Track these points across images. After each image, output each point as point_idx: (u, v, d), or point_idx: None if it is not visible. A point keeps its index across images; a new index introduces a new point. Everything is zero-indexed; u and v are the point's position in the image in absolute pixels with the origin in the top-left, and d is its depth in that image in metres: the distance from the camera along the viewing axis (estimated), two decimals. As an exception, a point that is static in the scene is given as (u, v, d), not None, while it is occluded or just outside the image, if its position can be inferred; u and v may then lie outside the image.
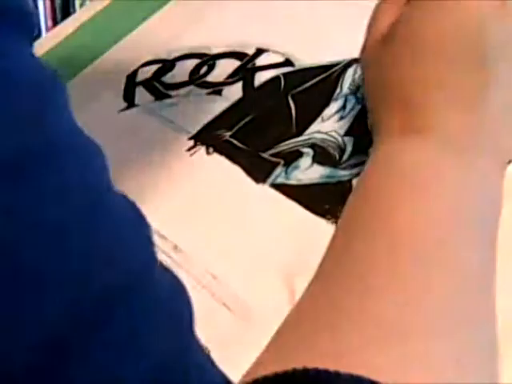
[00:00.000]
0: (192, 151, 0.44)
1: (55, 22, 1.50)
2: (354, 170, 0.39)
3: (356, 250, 0.30)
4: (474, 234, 0.30)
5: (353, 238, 0.31)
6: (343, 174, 0.39)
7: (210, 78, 0.49)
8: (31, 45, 0.24)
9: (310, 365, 0.24)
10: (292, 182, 0.40)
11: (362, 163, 0.39)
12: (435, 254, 0.29)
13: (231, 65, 0.49)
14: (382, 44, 0.35)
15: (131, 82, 0.51)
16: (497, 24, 0.33)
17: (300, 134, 0.42)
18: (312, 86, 0.45)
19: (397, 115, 0.33)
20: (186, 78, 0.50)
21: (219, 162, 0.43)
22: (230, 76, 0.48)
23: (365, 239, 0.30)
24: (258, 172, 0.41)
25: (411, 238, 0.29)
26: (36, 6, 1.52)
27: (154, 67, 0.52)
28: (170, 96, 0.49)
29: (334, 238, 0.32)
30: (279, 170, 0.41)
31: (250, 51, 0.49)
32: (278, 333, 0.29)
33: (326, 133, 0.42)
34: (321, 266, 0.31)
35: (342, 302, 0.28)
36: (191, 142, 0.45)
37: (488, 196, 0.32)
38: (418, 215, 0.30)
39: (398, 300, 0.27)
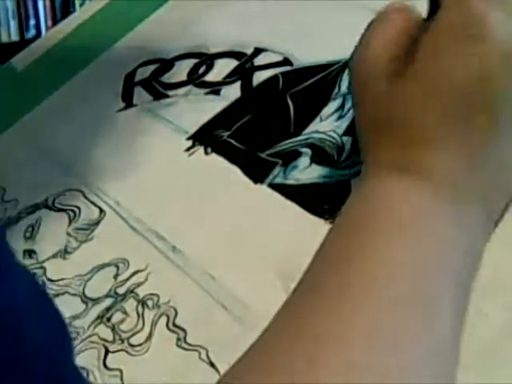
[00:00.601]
0: (190, 151, 0.44)
1: (55, 22, 1.50)
2: (353, 170, 0.39)
3: (324, 303, 0.29)
4: (450, 299, 0.29)
5: (321, 287, 0.29)
6: (342, 173, 0.39)
7: (209, 78, 0.49)
8: None
9: None
10: (290, 181, 0.40)
11: (361, 163, 0.39)
12: (407, 312, 0.28)
13: (229, 64, 0.49)
14: (385, 78, 0.33)
15: (129, 81, 0.51)
16: None
17: (298, 133, 0.42)
18: (310, 85, 0.45)
19: (396, 151, 0.32)
20: (184, 77, 0.50)
21: (217, 162, 0.43)
22: (229, 76, 0.48)
23: (332, 291, 0.29)
24: (257, 172, 0.41)
25: (383, 294, 0.28)
26: (36, 6, 1.52)
27: (153, 67, 0.52)
28: (168, 96, 0.49)
29: (306, 275, 0.31)
30: (277, 169, 0.41)
31: (249, 51, 0.49)
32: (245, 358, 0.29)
33: (324, 132, 0.41)
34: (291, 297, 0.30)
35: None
36: (189, 142, 0.45)
37: (470, 257, 0.31)
38: (398, 267, 0.29)
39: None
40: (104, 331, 0.37)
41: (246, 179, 0.41)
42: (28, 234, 0.44)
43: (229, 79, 0.48)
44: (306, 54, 0.47)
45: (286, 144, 0.42)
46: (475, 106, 0.30)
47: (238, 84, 0.47)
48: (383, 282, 0.28)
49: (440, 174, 0.31)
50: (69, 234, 0.43)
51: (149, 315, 0.37)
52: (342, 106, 0.42)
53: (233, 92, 0.47)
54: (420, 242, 0.30)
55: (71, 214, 0.44)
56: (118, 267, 0.40)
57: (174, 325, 0.36)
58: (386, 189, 0.31)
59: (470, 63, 0.30)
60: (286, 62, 0.47)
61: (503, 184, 0.32)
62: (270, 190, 0.40)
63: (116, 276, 0.39)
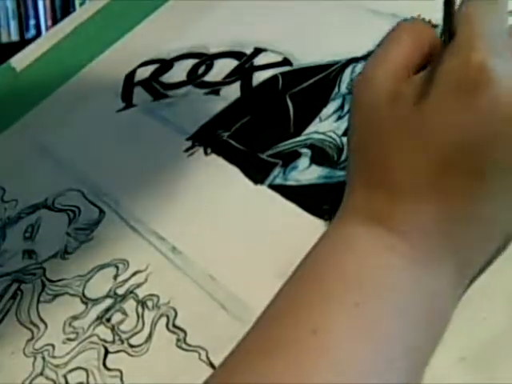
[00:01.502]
0: (190, 152, 0.44)
1: (55, 22, 1.50)
2: (353, 170, 0.39)
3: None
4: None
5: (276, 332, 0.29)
6: (341, 174, 0.39)
7: (208, 78, 0.49)
8: None
9: None
10: (290, 182, 0.40)
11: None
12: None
13: (229, 64, 0.49)
14: (384, 113, 0.31)
15: (129, 81, 0.51)
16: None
17: (298, 134, 0.42)
18: (310, 85, 0.45)
19: (374, 197, 0.31)
20: (184, 77, 0.50)
21: (217, 162, 0.43)
22: (228, 76, 0.48)
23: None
24: (256, 173, 0.41)
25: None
26: (36, 6, 1.52)
27: (152, 67, 0.52)
28: (168, 96, 0.49)
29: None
30: (277, 170, 0.41)
31: (248, 51, 0.49)
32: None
33: (323, 133, 0.41)
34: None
35: None
36: (189, 143, 0.45)
37: (439, 319, 0.30)
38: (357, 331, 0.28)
39: None
40: (104, 332, 0.37)
41: (245, 180, 0.41)
42: (28, 234, 0.44)
43: (228, 79, 0.48)
44: (306, 55, 0.47)
45: (286, 145, 0.42)
46: (462, 167, 0.29)
47: (237, 84, 0.47)
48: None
49: (413, 232, 0.30)
50: (68, 235, 0.43)
51: (149, 316, 0.37)
52: (341, 107, 0.42)
53: (232, 92, 0.47)
54: (377, 310, 0.29)
55: (71, 214, 0.44)
56: (117, 268, 0.40)
57: (174, 325, 0.36)
58: (354, 238, 0.31)
59: (464, 121, 0.29)
60: (286, 62, 0.47)
61: (481, 245, 0.31)
62: (269, 191, 0.40)
63: (116, 276, 0.39)
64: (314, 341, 0.28)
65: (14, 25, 1.53)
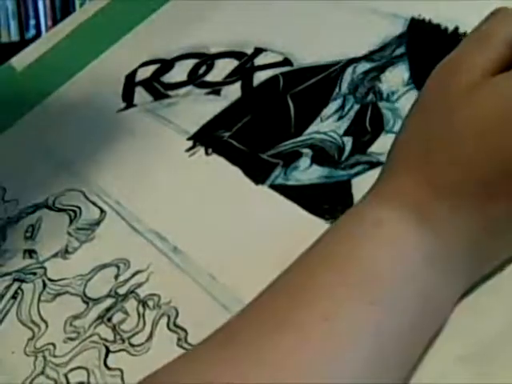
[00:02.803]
0: (191, 152, 0.44)
1: (55, 22, 1.50)
2: (353, 170, 0.39)
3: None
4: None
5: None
6: (342, 173, 0.39)
7: (209, 78, 0.49)
8: None
9: None
10: (291, 182, 0.40)
11: (361, 163, 0.39)
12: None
13: (230, 64, 0.49)
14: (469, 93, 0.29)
15: (130, 81, 0.51)
16: None
17: (299, 134, 0.42)
18: (311, 85, 0.45)
19: (422, 190, 0.29)
20: (184, 77, 0.50)
21: (218, 162, 0.43)
22: (229, 76, 0.48)
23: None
24: (257, 173, 0.41)
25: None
26: (36, 6, 1.52)
27: (153, 67, 0.52)
28: (168, 96, 0.49)
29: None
30: (278, 170, 0.41)
31: (249, 51, 0.49)
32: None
33: (324, 133, 0.41)
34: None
35: None
36: (190, 143, 0.45)
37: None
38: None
39: None
40: (105, 331, 0.37)
41: (246, 180, 0.41)
42: (28, 234, 0.44)
43: (229, 79, 0.48)
44: (306, 55, 0.47)
45: (287, 145, 0.42)
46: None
47: (238, 84, 0.48)
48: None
49: (446, 232, 0.29)
50: (69, 234, 0.43)
51: (149, 315, 0.37)
52: (342, 107, 0.43)
53: (233, 92, 0.47)
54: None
55: (72, 213, 0.44)
56: (118, 267, 0.40)
57: (175, 325, 0.36)
58: (382, 223, 0.29)
59: None
60: (286, 62, 0.47)
61: (505, 254, 0.30)
62: (270, 191, 0.40)
63: (117, 276, 0.39)
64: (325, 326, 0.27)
65: (13, 25, 1.52)
